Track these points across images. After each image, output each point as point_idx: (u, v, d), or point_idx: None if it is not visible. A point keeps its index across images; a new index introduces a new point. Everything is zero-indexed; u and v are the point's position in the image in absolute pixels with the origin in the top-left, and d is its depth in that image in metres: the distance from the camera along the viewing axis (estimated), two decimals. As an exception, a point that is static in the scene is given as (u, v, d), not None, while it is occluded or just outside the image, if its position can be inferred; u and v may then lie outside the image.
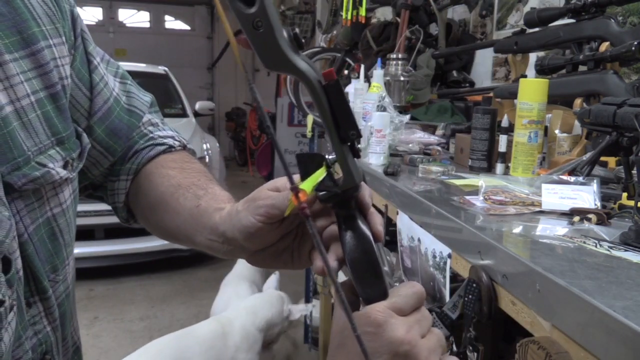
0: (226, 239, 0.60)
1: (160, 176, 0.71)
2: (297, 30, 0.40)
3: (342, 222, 0.49)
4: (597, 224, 0.92)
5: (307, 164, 0.48)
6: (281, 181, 0.56)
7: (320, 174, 0.46)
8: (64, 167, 0.59)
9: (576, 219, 0.94)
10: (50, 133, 0.57)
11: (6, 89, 0.53)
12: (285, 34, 0.40)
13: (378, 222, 0.50)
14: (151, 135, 0.75)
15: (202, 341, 2.26)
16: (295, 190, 0.37)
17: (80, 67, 0.66)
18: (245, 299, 2.66)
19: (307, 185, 0.43)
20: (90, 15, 9.97)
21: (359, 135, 0.44)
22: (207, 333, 2.30)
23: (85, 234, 3.92)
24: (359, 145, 0.43)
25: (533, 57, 1.74)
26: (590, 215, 0.93)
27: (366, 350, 0.39)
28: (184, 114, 5.19)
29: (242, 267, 3.17)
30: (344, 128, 0.43)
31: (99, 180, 0.75)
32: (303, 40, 0.41)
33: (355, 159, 0.46)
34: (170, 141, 0.76)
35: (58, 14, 0.61)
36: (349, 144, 0.45)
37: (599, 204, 0.99)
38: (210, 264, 4.54)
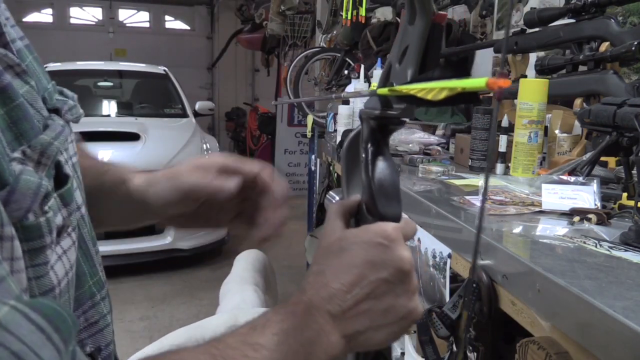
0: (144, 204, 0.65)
1: None
2: None
3: (376, 145, 0.52)
4: (597, 224, 0.92)
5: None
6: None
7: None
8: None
9: (576, 219, 0.94)
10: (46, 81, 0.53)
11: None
12: None
13: None
14: None
15: (214, 332, 2.25)
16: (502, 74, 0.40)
17: None
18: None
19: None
20: (90, 15, 9.96)
21: (439, 78, 0.44)
22: (221, 323, 2.30)
23: (85, 234, 3.91)
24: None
25: (533, 57, 1.74)
26: (590, 215, 0.93)
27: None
28: (184, 114, 5.18)
29: (242, 271, 3.13)
30: (429, 65, 0.46)
31: None
32: None
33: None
34: None
35: None
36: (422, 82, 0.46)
37: (599, 204, 0.99)
38: (211, 264, 4.53)
